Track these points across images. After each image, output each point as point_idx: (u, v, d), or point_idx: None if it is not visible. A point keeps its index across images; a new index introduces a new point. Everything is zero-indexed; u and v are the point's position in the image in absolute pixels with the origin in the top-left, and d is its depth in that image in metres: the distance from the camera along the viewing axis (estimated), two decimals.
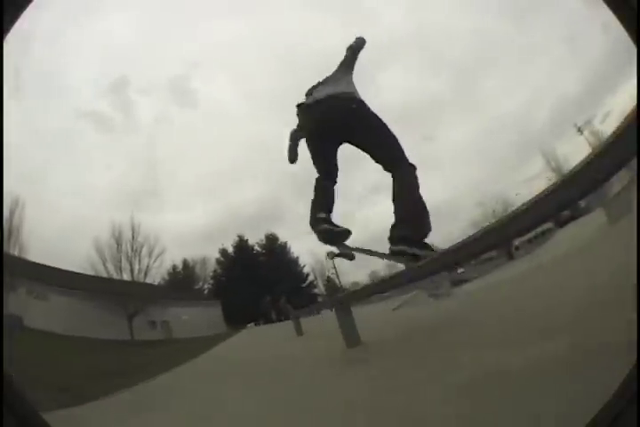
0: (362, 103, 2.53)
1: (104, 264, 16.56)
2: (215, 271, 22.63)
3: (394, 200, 2.30)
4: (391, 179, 2.36)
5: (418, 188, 2.32)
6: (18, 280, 11.63)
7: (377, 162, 2.46)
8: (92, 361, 5.87)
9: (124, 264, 17.04)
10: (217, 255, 22.22)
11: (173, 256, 20.04)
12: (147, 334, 15.28)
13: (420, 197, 2.29)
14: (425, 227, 2.22)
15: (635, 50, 0.75)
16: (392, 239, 2.19)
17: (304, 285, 21.87)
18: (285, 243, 22.17)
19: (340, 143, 2.58)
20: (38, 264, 13.66)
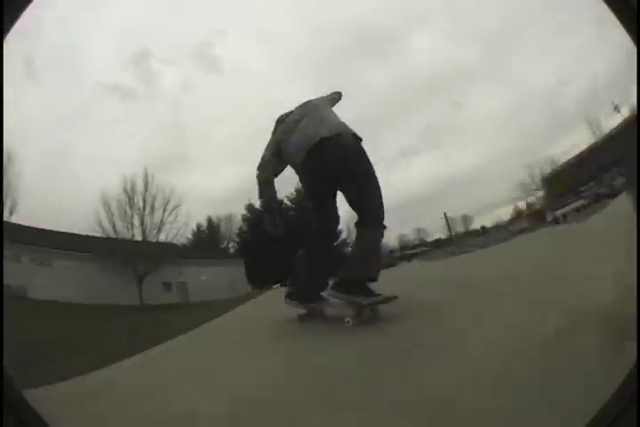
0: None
1: (112, 222, 15.14)
2: (241, 229, 20.77)
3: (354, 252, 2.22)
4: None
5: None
6: (21, 248, 11.47)
7: (356, 211, 2.23)
8: (99, 327, 5.72)
9: (136, 221, 15.57)
10: (244, 212, 20.31)
11: (199, 217, 18.81)
12: (160, 298, 14.01)
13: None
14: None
15: (635, 50, 0.75)
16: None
17: (336, 243, 21.97)
18: None
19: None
20: (43, 230, 13.23)
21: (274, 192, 2.45)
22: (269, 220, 2.45)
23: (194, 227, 20.30)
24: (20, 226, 12.15)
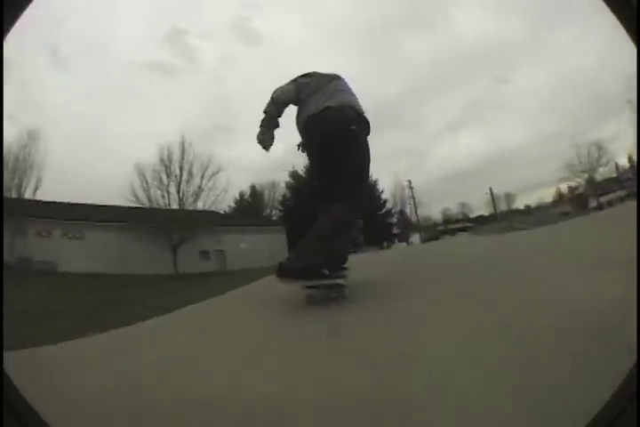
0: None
1: (147, 191, 14.77)
2: (284, 196, 19.68)
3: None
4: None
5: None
6: (51, 223, 11.49)
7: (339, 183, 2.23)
8: (124, 295, 5.65)
9: (172, 189, 15.13)
10: (287, 179, 19.68)
11: (242, 186, 18.30)
12: (197, 266, 13.64)
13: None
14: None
15: (635, 50, 0.75)
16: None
17: (381, 212, 19.67)
18: None
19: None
20: (73, 204, 13.20)
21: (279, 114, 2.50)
22: (263, 128, 2.45)
23: (236, 195, 19.68)
24: (49, 202, 12.30)
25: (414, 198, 19.62)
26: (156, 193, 14.88)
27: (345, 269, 2.44)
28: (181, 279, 11.37)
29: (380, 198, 19.97)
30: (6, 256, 9.68)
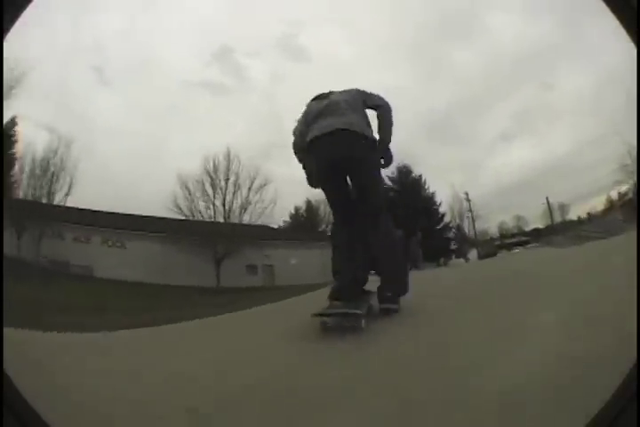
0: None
1: (190, 202, 14.63)
2: None
3: (375, 256, 2.29)
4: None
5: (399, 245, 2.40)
6: (91, 231, 11.87)
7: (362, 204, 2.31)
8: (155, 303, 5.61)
9: (218, 202, 14.94)
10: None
11: (296, 200, 17.95)
12: (244, 281, 13.57)
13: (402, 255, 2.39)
14: (404, 288, 2.28)
15: (635, 50, 0.75)
16: (380, 299, 2.21)
17: (438, 226, 19.07)
18: (420, 176, 18.66)
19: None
20: (116, 213, 13.42)
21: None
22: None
23: (292, 210, 19.52)
24: (95, 211, 12.73)
25: (472, 211, 18.29)
26: (201, 205, 14.92)
27: (367, 292, 2.36)
28: (223, 293, 11.40)
29: (437, 212, 19.02)
30: (31, 257, 9.86)
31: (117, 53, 16.37)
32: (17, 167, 10.92)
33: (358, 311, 1.93)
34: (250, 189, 14.98)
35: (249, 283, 13.62)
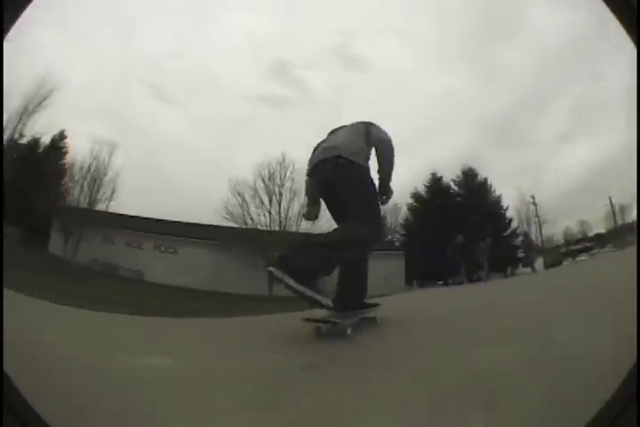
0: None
1: (245, 210, 14.59)
2: (407, 219, 18.60)
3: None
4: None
5: None
6: (144, 237, 12.38)
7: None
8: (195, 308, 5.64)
9: (273, 210, 14.82)
10: (409, 200, 18.35)
11: None
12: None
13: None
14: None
15: (635, 50, 0.75)
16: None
17: (506, 233, 17.82)
18: (485, 179, 17.59)
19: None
20: (170, 221, 13.94)
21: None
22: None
23: None
24: (146, 218, 13.36)
25: (539, 217, 17.00)
26: (253, 212, 14.88)
27: (367, 304, 2.45)
28: (272, 301, 11.48)
29: (505, 217, 17.65)
30: (84, 261, 10.85)
31: (172, 70, 16.57)
32: (67, 177, 11.82)
33: (339, 321, 2.03)
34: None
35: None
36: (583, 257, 14.74)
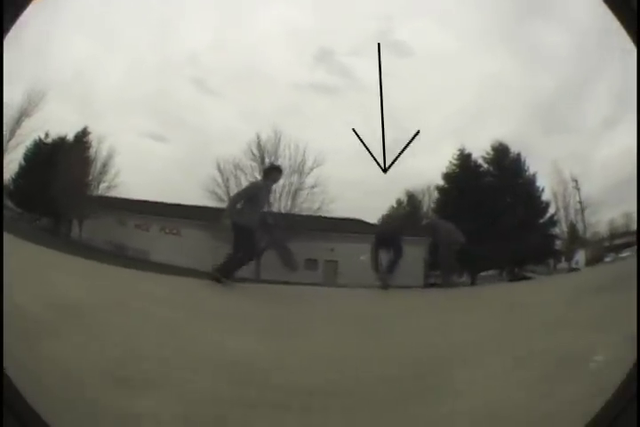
0: None
1: (226, 188, 14.08)
2: (438, 201, 17.62)
3: None
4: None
5: None
6: (151, 219, 12.70)
7: None
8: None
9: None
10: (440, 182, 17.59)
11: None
12: (301, 276, 12.79)
13: None
14: None
15: (635, 50, 0.75)
16: None
17: (542, 220, 16.62)
18: (519, 155, 17.52)
19: None
20: (173, 204, 14.34)
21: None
22: None
23: (393, 203, 17.35)
24: (151, 202, 13.79)
25: (581, 203, 14.08)
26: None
27: None
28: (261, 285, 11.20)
29: (540, 200, 16.62)
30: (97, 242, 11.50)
31: (216, 64, 16.48)
32: (90, 168, 12.53)
33: None
34: (301, 173, 13.33)
35: (305, 278, 12.52)
36: (627, 253, 12.78)
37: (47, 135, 12.60)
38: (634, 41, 0.75)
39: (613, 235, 15.65)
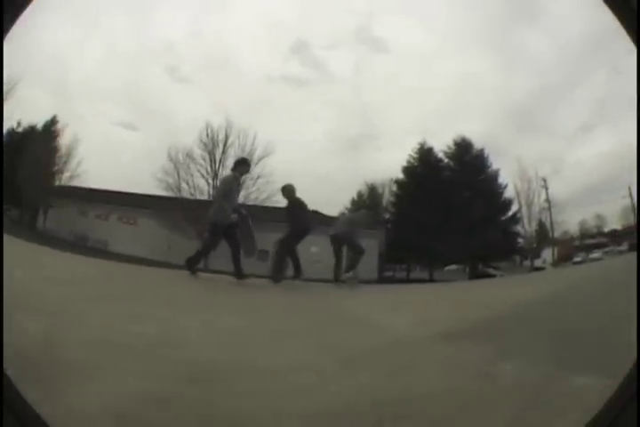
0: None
1: (185, 181, 13.86)
2: (395, 195, 16.25)
3: None
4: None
5: None
6: (109, 209, 13.02)
7: None
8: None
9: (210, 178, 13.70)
10: (400, 176, 16.22)
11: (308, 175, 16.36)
12: (253, 266, 12.99)
13: None
14: None
15: (635, 50, 0.75)
16: None
17: (504, 217, 14.17)
18: (482, 151, 14.34)
19: None
20: (131, 193, 14.04)
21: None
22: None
23: (354, 196, 17.39)
24: (111, 191, 13.73)
25: (549, 202, 13.85)
26: (190, 180, 14.13)
27: None
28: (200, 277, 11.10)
29: (502, 197, 14.20)
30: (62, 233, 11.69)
31: (191, 53, 16.64)
32: (55, 157, 12.91)
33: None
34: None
35: (254, 270, 12.77)
36: (597, 254, 13.34)
37: (19, 124, 12.51)
38: (634, 41, 0.75)
39: (584, 235, 15.42)
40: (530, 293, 3.17)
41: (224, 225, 4.10)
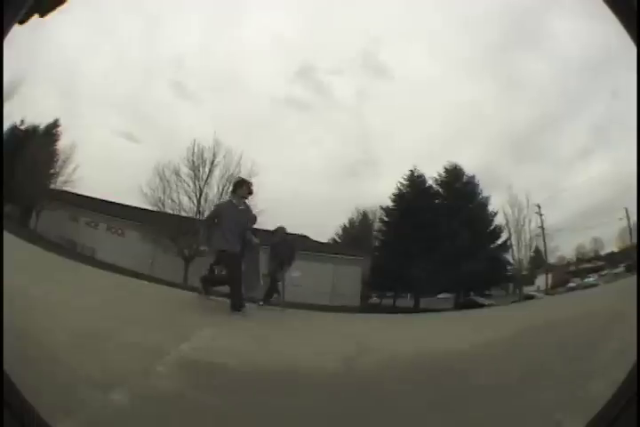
0: None
1: (170, 197, 14.04)
2: (383, 222, 16.15)
3: None
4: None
5: None
6: (100, 218, 13.18)
7: None
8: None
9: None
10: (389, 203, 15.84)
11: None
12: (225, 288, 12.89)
13: None
14: None
15: (635, 50, 0.75)
16: None
17: (493, 245, 14.49)
18: (473, 177, 14.51)
19: None
20: (122, 204, 14.26)
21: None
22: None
23: (346, 223, 16.94)
24: (103, 201, 14.11)
25: (543, 228, 13.76)
26: (173, 196, 14.35)
27: None
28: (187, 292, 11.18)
29: (491, 223, 14.49)
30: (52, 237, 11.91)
31: (198, 69, 16.76)
32: (58, 162, 13.00)
33: None
34: (228, 180, 12.96)
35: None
36: (592, 279, 12.85)
37: (22, 122, 12.54)
38: (634, 41, 0.75)
39: (580, 259, 14.69)
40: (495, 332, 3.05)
41: (233, 253, 3.85)
